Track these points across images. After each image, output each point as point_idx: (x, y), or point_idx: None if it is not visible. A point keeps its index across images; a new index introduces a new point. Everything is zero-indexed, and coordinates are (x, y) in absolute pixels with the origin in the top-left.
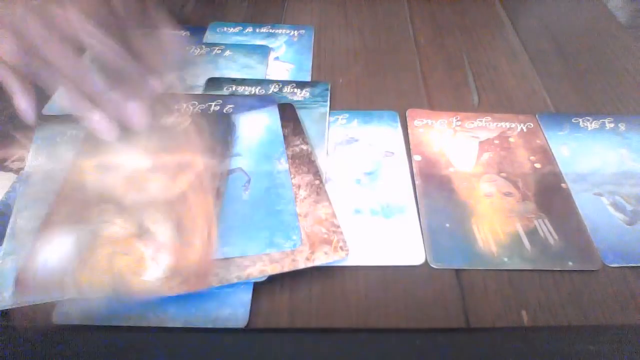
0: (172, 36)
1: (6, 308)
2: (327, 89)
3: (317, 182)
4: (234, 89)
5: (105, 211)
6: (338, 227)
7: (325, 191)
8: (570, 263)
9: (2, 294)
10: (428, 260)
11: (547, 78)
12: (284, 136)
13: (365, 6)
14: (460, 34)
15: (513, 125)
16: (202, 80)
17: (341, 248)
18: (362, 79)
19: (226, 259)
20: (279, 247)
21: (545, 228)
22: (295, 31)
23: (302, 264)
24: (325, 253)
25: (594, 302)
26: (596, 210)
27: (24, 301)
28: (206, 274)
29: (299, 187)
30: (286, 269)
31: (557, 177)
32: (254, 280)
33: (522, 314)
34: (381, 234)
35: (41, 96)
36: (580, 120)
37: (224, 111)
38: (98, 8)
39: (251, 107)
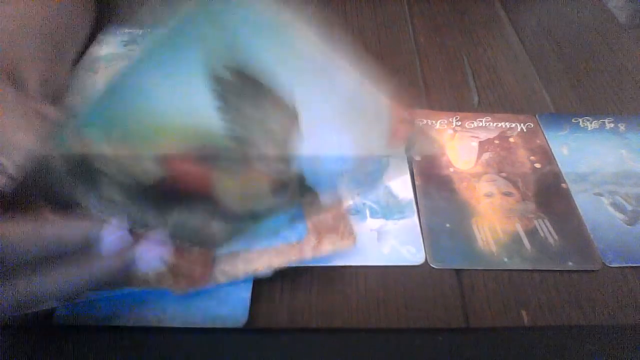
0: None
1: None
2: None
3: None
4: None
5: None
6: (344, 214)
7: None
8: (570, 263)
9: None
10: (428, 260)
11: (547, 78)
12: None
13: (365, 6)
14: (460, 33)
15: (513, 125)
16: None
17: (349, 236)
18: None
19: (231, 253)
20: (284, 238)
21: (545, 228)
22: None
23: (309, 254)
24: (332, 241)
25: (594, 302)
26: (596, 210)
27: None
28: (207, 272)
29: None
30: (293, 260)
31: (557, 177)
32: (260, 275)
33: (522, 314)
34: (381, 234)
35: None
36: (580, 120)
37: None
38: None
39: None
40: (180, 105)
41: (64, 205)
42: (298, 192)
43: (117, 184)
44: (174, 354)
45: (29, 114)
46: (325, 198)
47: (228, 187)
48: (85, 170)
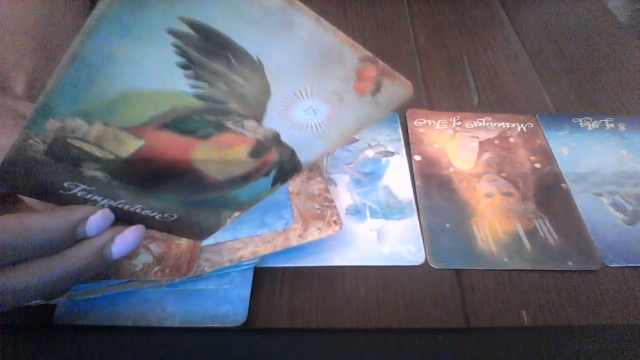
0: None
1: None
2: None
3: None
4: None
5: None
6: (331, 201)
7: (319, 167)
8: (570, 263)
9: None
10: (428, 260)
11: (547, 78)
12: None
13: (365, 6)
14: (460, 34)
15: (513, 125)
16: None
17: (335, 222)
18: None
19: (217, 243)
20: (270, 226)
21: (545, 228)
22: None
23: (294, 242)
24: (319, 228)
25: (594, 302)
26: (596, 210)
27: None
28: (193, 262)
29: None
30: (278, 248)
31: (557, 177)
32: (246, 263)
33: (522, 314)
34: (381, 234)
35: None
36: (580, 120)
37: None
38: None
39: None
40: (145, 69)
41: (47, 191)
42: (275, 150)
43: (97, 160)
44: (174, 353)
45: (13, 116)
46: (303, 156)
47: (205, 153)
48: (62, 149)
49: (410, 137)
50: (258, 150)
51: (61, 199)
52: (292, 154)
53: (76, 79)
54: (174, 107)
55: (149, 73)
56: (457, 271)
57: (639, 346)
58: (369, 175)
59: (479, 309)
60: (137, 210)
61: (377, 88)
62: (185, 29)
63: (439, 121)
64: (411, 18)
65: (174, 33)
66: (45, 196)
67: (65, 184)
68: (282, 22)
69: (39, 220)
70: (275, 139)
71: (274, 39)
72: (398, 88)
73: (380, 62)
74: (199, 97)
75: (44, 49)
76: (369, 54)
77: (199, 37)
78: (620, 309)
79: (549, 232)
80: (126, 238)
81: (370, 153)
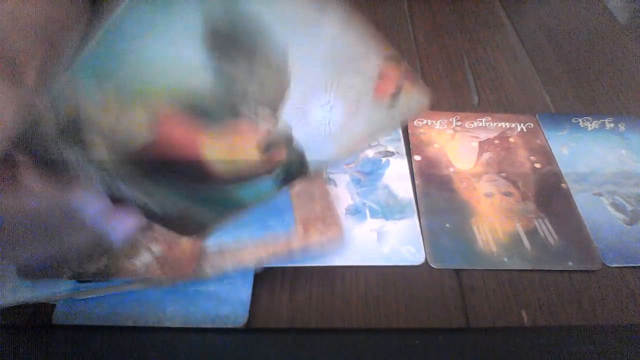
0: None
1: (6, 305)
2: None
3: None
4: None
5: None
6: (332, 205)
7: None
8: (570, 263)
9: (2, 290)
10: (428, 260)
11: (547, 78)
12: None
13: (365, 6)
14: (460, 33)
15: (513, 125)
16: None
17: (335, 224)
18: None
19: (219, 245)
20: (271, 230)
21: (545, 228)
22: None
23: (296, 244)
24: (320, 231)
25: (594, 302)
26: (596, 210)
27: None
28: (194, 263)
29: None
30: (281, 251)
31: (557, 177)
32: (249, 268)
33: (522, 314)
34: (381, 234)
35: None
36: (580, 120)
37: None
38: None
39: None
40: (172, 62)
41: (52, 169)
42: (284, 149)
43: (107, 146)
44: (174, 354)
45: (24, 107)
46: (312, 160)
47: (216, 149)
48: (73, 136)
49: (410, 137)
50: (268, 143)
51: (65, 179)
52: (302, 155)
53: (102, 58)
54: (192, 82)
55: (173, 43)
56: (457, 271)
57: (639, 346)
58: (369, 175)
59: (479, 309)
60: (137, 202)
61: (397, 92)
62: (216, 9)
63: (439, 121)
64: (411, 18)
65: (204, 11)
66: (50, 172)
67: (70, 169)
68: (312, 17)
69: (40, 202)
70: (288, 139)
71: (302, 31)
72: (416, 96)
73: (405, 64)
74: (218, 74)
75: (49, 46)
76: (394, 53)
77: (229, 19)
78: (620, 309)
79: (549, 232)
80: (124, 221)
81: (370, 153)
